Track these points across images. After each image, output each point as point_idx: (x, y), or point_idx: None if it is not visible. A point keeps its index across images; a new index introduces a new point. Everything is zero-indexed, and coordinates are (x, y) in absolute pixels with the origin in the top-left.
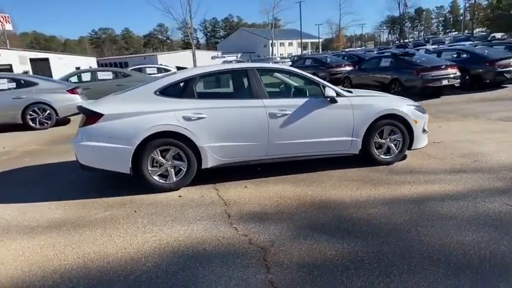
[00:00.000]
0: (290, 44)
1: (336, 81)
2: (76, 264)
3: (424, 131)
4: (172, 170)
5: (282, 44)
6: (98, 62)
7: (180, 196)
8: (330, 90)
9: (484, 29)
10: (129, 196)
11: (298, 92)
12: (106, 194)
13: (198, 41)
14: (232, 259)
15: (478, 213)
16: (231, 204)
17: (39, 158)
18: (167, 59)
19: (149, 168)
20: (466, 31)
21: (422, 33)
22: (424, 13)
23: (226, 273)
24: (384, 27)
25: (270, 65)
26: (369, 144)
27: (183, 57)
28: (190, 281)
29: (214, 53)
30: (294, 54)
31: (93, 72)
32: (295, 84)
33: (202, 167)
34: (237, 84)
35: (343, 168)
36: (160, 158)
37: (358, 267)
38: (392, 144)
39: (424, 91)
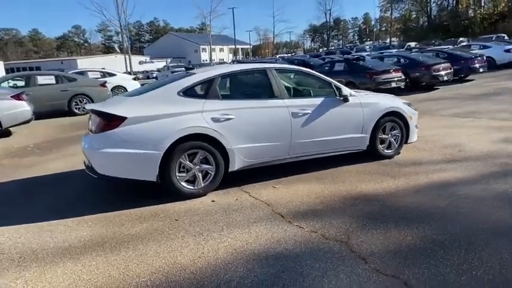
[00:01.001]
0: (221, 50)
1: None
2: (157, 279)
3: (416, 126)
4: (200, 174)
5: (213, 50)
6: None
7: (213, 201)
8: (345, 90)
9: (397, 39)
10: (156, 206)
11: (314, 92)
12: (124, 206)
13: (121, 45)
14: (322, 254)
15: (501, 193)
16: (274, 204)
17: (4, 173)
18: (88, 63)
19: (177, 174)
20: (380, 40)
21: (341, 42)
22: (342, 23)
23: (329, 268)
24: (307, 36)
25: (285, 65)
26: (375, 140)
27: (106, 62)
28: (297, 279)
29: (142, 58)
30: (225, 60)
31: (30, 76)
32: (309, 84)
33: (229, 170)
34: (258, 84)
35: (351, 164)
36: (188, 162)
37: (445, 248)
38: (392, 139)
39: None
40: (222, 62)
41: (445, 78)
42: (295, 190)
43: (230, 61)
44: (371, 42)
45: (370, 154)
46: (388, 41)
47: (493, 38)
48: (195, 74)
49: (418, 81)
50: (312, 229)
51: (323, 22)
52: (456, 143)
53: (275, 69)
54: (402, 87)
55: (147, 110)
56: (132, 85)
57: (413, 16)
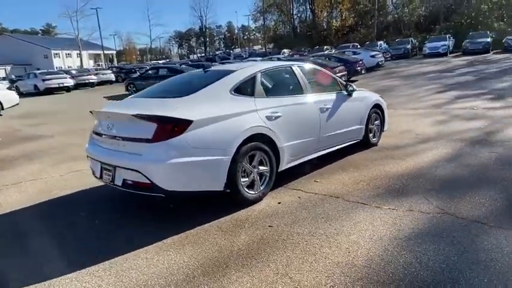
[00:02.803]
0: (78, 55)
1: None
2: (340, 278)
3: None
4: (258, 177)
5: (69, 55)
6: None
7: (279, 203)
8: (350, 85)
9: (267, 47)
10: (225, 217)
11: (326, 88)
12: (182, 224)
13: None
14: (446, 227)
15: (489, 159)
16: (340, 195)
17: None
18: None
19: (241, 179)
20: (247, 48)
21: (208, 48)
22: (207, 31)
23: (471, 235)
24: (173, 42)
25: (303, 63)
26: (367, 130)
27: None
28: (463, 249)
29: None
30: (84, 67)
31: None
32: (321, 80)
33: (278, 169)
34: (289, 81)
35: (351, 154)
36: (248, 165)
37: None
38: (376, 129)
39: None
40: (103, 68)
41: (342, 79)
42: (338, 181)
43: (110, 66)
44: (239, 49)
45: (358, 144)
46: (257, 47)
47: (350, 47)
48: (234, 71)
49: None
50: (407, 208)
51: (188, 28)
52: (406, 129)
53: (298, 66)
54: None
55: (207, 111)
56: (7, 96)
57: (280, 26)
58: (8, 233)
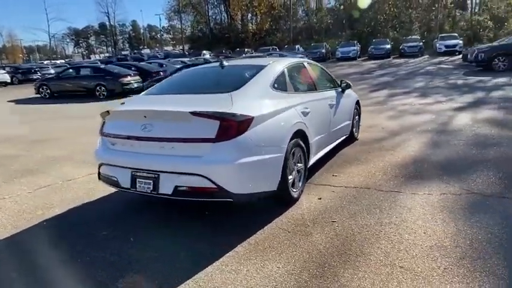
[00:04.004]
0: None
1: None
2: (446, 260)
3: None
4: (297, 174)
5: None
6: None
7: (319, 199)
8: (346, 82)
9: (185, 47)
10: (280, 218)
11: (326, 85)
12: (238, 232)
13: None
14: (482, 205)
15: (463, 145)
16: (369, 187)
17: None
18: None
19: (289, 177)
20: (157, 48)
21: (110, 48)
22: (109, 29)
23: (503, 207)
24: (68, 40)
25: (310, 60)
26: (352, 125)
27: None
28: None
29: None
30: None
31: None
32: (321, 77)
33: (308, 166)
34: (305, 77)
35: (341, 149)
36: (292, 162)
37: None
38: (356, 124)
39: None
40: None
41: None
42: (355, 173)
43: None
44: (148, 50)
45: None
46: (167, 48)
47: (270, 49)
48: (264, 65)
49: None
50: (440, 192)
51: (86, 26)
52: (372, 124)
53: (307, 63)
54: None
55: (261, 106)
56: None
57: (197, 27)
58: (36, 268)
